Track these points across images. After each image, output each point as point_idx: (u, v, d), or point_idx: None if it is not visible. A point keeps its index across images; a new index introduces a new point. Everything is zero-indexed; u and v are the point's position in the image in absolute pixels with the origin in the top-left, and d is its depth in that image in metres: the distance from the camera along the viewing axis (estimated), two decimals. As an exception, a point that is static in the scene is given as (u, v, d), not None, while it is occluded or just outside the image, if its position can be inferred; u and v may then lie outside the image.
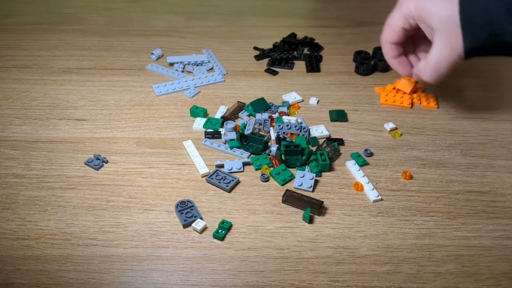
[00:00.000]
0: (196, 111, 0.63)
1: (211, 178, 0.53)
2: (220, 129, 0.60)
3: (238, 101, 0.65)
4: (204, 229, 0.48)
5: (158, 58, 0.77)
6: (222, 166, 0.55)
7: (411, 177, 0.54)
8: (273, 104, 0.64)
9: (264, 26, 0.88)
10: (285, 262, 0.45)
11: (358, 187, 0.53)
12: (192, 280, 0.43)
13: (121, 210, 0.50)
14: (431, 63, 0.52)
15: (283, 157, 0.55)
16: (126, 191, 0.52)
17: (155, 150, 0.58)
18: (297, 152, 0.55)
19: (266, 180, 0.53)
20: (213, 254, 0.46)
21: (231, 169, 0.54)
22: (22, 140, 0.59)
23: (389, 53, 0.57)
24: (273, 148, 0.56)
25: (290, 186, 0.53)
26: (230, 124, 0.58)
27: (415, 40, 0.58)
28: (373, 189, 0.52)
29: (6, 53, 0.77)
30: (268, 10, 0.95)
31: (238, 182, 0.53)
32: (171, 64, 0.75)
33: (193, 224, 0.48)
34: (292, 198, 0.51)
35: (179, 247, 0.46)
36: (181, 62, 0.74)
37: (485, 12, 0.46)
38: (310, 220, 0.49)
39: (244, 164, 0.55)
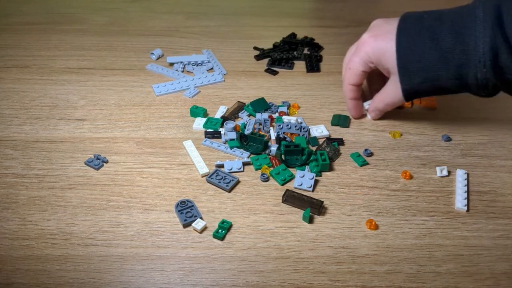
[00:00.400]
0: (196, 111, 0.63)
1: (211, 178, 0.53)
2: (220, 129, 0.60)
3: (238, 101, 0.65)
4: (204, 229, 0.48)
5: (158, 58, 0.77)
6: (222, 166, 0.55)
7: (411, 177, 0.54)
8: (273, 104, 0.64)
9: (264, 26, 0.88)
10: (285, 262, 0.45)
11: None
12: (192, 280, 0.43)
13: (121, 210, 0.50)
14: (383, 98, 0.60)
15: (283, 157, 0.55)
16: (126, 191, 0.52)
17: (155, 150, 0.58)
18: (297, 152, 0.55)
19: (266, 180, 0.53)
20: (213, 254, 0.46)
21: (231, 169, 0.54)
22: (22, 140, 0.59)
23: (349, 94, 0.62)
24: (273, 148, 0.56)
25: (290, 186, 0.53)
26: (230, 124, 0.58)
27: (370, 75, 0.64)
28: (464, 199, 0.52)
29: (6, 53, 0.77)
30: (268, 10, 0.95)
31: (238, 182, 0.53)
32: (171, 64, 0.75)
33: (193, 224, 0.48)
34: (292, 198, 0.51)
35: (179, 247, 0.46)
36: (181, 62, 0.74)
37: (420, 60, 0.53)
38: (310, 220, 0.49)
39: (244, 164, 0.55)
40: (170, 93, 0.68)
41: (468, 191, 0.53)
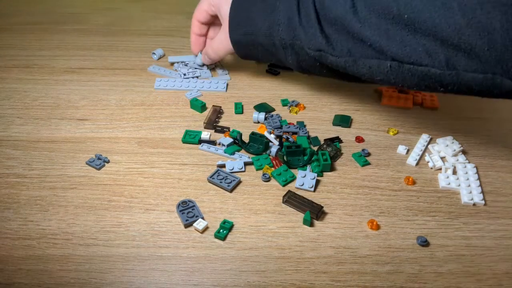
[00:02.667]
0: (196, 103, 0.63)
1: (212, 178, 0.53)
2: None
3: (213, 105, 0.65)
4: (206, 229, 0.48)
5: (159, 58, 0.77)
6: (223, 166, 0.55)
7: (414, 183, 0.54)
8: (273, 115, 0.63)
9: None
10: (286, 262, 0.45)
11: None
12: (194, 280, 0.43)
13: (122, 210, 0.50)
14: (214, 45, 0.66)
15: (285, 158, 0.55)
16: (128, 191, 0.52)
17: (156, 150, 0.58)
18: (299, 153, 0.55)
19: (267, 180, 0.53)
20: (214, 254, 0.46)
21: (232, 169, 0.54)
22: (23, 140, 0.59)
23: (194, 29, 0.69)
24: (273, 149, 0.56)
25: (292, 186, 0.53)
26: (225, 140, 0.58)
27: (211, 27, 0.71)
28: (480, 193, 0.53)
29: (8, 53, 0.77)
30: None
31: (239, 182, 0.53)
32: (172, 64, 0.75)
33: (194, 224, 0.48)
34: (292, 200, 0.51)
35: (181, 247, 0.46)
36: (182, 62, 0.74)
37: (247, 15, 0.59)
38: (311, 224, 0.49)
39: (246, 164, 0.55)
40: (169, 90, 0.68)
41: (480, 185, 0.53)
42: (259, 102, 0.67)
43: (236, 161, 0.55)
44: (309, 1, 0.52)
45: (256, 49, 0.60)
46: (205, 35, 0.70)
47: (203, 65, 0.72)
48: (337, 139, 0.60)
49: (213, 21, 0.69)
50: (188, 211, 0.49)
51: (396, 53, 0.46)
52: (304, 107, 0.65)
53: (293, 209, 0.50)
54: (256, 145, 0.57)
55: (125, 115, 0.63)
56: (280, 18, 0.55)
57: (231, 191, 0.52)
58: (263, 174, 0.54)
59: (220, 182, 0.52)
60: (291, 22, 0.54)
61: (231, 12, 0.60)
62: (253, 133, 0.58)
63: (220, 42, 0.64)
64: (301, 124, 0.62)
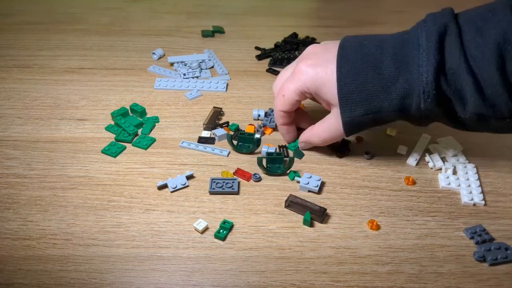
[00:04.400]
0: (135, 109, 0.63)
1: (213, 189, 0.52)
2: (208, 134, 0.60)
3: (214, 107, 0.64)
4: (206, 229, 0.48)
5: (159, 58, 0.77)
6: (165, 186, 0.52)
7: (414, 183, 0.54)
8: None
9: (266, 25, 0.88)
10: (286, 262, 0.45)
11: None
12: (194, 280, 0.43)
13: (122, 210, 0.50)
14: (320, 132, 0.55)
15: (264, 164, 0.55)
16: (128, 191, 0.52)
17: (156, 150, 0.58)
18: (279, 160, 0.55)
19: (258, 180, 0.53)
20: (214, 254, 0.46)
21: (175, 187, 0.52)
22: (23, 140, 0.59)
23: (280, 120, 0.57)
24: (219, 133, 0.58)
25: (293, 186, 0.53)
26: (220, 131, 0.59)
27: None
28: (480, 193, 0.53)
29: (7, 53, 0.77)
30: (269, 10, 0.95)
31: (238, 182, 0.53)
32: (172, 64, 0.75)
33: (194, 224, 0.48)
34: (294, 204, 0.50)
35: (181, 247, 0.46)
36: (181, 62, 0.74)
37: (362, 90, 0.49)
38: (311, 224, 0.49)
39: (188, 177, 0.53)
40: (169, 90, 0.68)
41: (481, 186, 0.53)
42: (259, 102, 0.67)
43: (177, 177, 0.53)
44: (458, 61, 0.44)
45: (371, 124, 0.52)
46: (294, 120, 0.58)
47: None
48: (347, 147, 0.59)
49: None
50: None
51: None
52: (304, 107, 0.65)
53: (296, 213, 0.50)
54: (246, 144, 0.57)
55: (125, 115, 0.63)
56: (424, 89, 0.45)
57: (239, 192, 0.52)
58: (254, 174, 0.53)
59: (223, 189, 0.52)
60: (439, 93, 0.46)
61: (341, 93, 0.49)
62: (241, 133, 0.57)
63: (329, 129, 0.53)
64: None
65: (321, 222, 0.49)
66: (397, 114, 0.49)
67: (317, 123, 0.55)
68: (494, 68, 0.43)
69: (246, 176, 0.54)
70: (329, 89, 0.50)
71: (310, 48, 0.54)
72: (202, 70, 0.73)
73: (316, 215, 0.49)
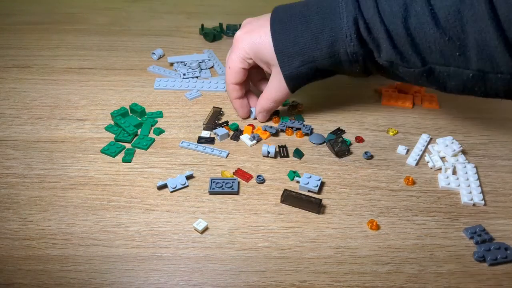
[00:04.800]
0: (135, 109, 0.63)
1: (213, 189, 0.52)
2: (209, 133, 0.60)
3: (214, 107, 0.64)
4: (206, 229, 0.48)
5: (159, 58, 0.77)
6: (165, 186, 0.52)
7: (414, 183, 0.54)
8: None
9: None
10: (286, 262, 0.45)
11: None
12: (194, 280, 0.43)
13: (122, 210, 0.50)
14: (269, 95, 0.59)
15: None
16: (127, 191, 0.52)
17: (156, 150, 0.58)
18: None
19: (261, 182, 0.53)
20: (214, 254, 0.46)
21: (175, 187, 0.52)
22: (23, 140, 0.59)
23: (232, 94, 0.61)
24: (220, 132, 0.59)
25: (293, 186, 0.53)
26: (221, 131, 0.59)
27: (251, 71, 0.62)
28: (480, 193, 0.53)
29: (7, 53, 0.77)
30: (268, 10, 0.95)
31: (238, 182, 0.53)
32: (172, 64, 0.75)
33: (194, 224, 0.48)
34: (290, 198, 0.51)
35: (180, 247, 0.46)
36: (181, 62, 0.74)
37: (295, 43, 0.54)
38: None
39: (188, 177, 0.53)
40: (169, 90, 0.68)
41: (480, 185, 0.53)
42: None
43: (177, 177, 0.53)
44: (372, 12, 0.49)
45: (310, 76, 0.57)
46: (245, 93, 0.62)
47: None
48: (340, 131, 0.61)
49: (248, 74, 0.61)
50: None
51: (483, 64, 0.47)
52: (303, 107, 0.65)
53: (292, 207, 0.50)
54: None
55: (125, 115, 0.63)
56: (346, 34, 0.51)
57: (238, 192, 0.52)
58: (258, 176, 0.53)
59: (223, 189, 0.52)
60: (360, 36, 0.51)
61: (277, 49, 0.55)
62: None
63: (275, 88, 0.58)
64: (299, 118, 0.63)
65: (318, 213, 0.49)
66: (329, 61, 0.54)
67: (264, 89, 0.60)
68: (400, 22, 0.48)
69: (246, 176, 0.54)
70: (266, 49, 0.55)
71: (244, 21, 0.60)
72: (202, 70, 0.73)
73: (313, 206, 0.49)
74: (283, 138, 0.60)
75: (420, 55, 0.49)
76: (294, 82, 0.57)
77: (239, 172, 0.54)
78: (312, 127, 0.61)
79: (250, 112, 0.63)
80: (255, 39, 0.56)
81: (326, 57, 0.54)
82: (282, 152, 0.57)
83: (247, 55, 0.57)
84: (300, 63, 0.55)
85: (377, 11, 0.49)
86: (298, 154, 0.57)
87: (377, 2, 0.49)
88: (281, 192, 0.52)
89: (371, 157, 0.57)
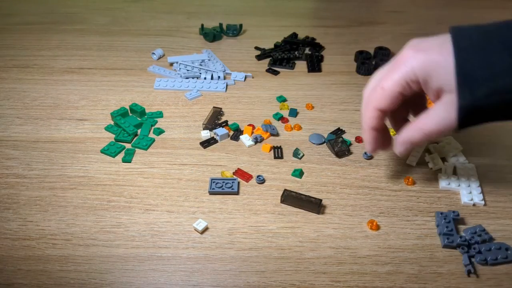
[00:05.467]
0: (135, 109, 0.63)
1: (213, 189, 0.52)
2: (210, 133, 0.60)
3: (214, 107, 0.64)
4: (205, 229, 0.48)
5: (159, 58, 0.77)
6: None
7: (414, 183, 0.54)
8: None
9: (265, 26, 0.88)
10: (286, 263, 0.45)
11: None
12: (194, 281, 0.43)
13: (122, 210, 0.50)
14: (425, 125, 0.44)
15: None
16: (127, 191, 0.52)
17: (156, 150, 0.58)
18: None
19: (261, 182, 0.53)
20: (214, 255, 0.46)
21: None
22: (23, 140, 0.59)
23: (371, 122, 0.47)
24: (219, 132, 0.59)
25: (293, 186, 0.53)
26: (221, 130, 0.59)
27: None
28: (480, 193, 0.53)
29: (7, 53, 0.77)
30: (269, 10, 0.95)
31: (238, 182, 0.53)
32: (171, 64, 0.75)
33: (194, 224, 0.48)
34: (290, 198, 0.51)
35: (180, 248, 0.46)
36: (180, 62, 0.74)
37: (487, 66, 0.40)
38: (318, 213, 0.49)
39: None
40: (169, 90, 0.68)
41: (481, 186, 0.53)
42: (258, 102, 0.66)
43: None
44: None
45: (497, 112, 0.41)
46: (385, 129, 0.49)
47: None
48: (340, 131, 0.61)
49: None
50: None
51: None
52: (313, 107, 0.65)
53: (292, 207, 0.50)
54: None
55: (125, 115, 0.63)
56: None
57: (238, 192, 0.52)
58: (258, 176, 0.53)
59: (223, 189, 0.52)
60: None
61: (459, 69, 0.40)
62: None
63: (436, 118, 0.43)
64: (293, 111, 0.64)
65: (318, 213, 0.49)
66: None
67: (420, 117, 0.45)
68: None
69: (246, 176, 0.54)
70: (444, 71, 0.41)
71: (410, 42, 0.45)
72: (202, 70, 0.73)
73: (313, 206, 0.49)
74: (284, 139, 0.60)
75: None
76: (471, 116, 0.41)
77: (239, 172, 0.54)
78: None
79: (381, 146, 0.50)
80: (432, 57, 0.42)
81: None
82: (276, 153, 0.57)
83: (414, 77, 0.43)
84: (490, 91, 0.39)
85: None
86: (296, 153, 0.57)
87: None
88: (281, 192, 0.52)
89: (371, 157, 0.57)
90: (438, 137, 0.47)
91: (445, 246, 0.47)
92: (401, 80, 0.43)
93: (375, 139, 0.48)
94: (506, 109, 0.41)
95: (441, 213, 0.49)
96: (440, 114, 0.43)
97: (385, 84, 0.44)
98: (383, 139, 0.49)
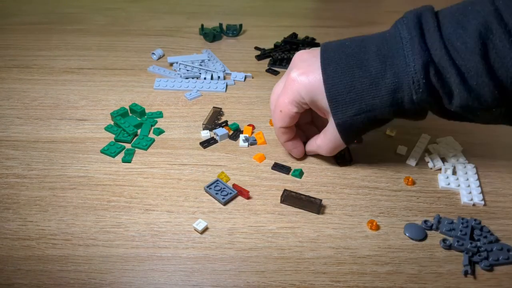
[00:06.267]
0: (135, 109, 0.63)
1: (210, 188, 0.52)
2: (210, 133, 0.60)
3: (214, 107, 0.64)
4: (205, 229, 0.48)
5: (159, 58, 0.77)
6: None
7: (413, 183, 0.54)
8: None
9: (265, 26, 0.88)
10: (286, 263, 0.45)
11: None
12: (193, 281, 0.43)
13: (122, 210, 0.50)
14: (324, 145, 0.53)
15: None
16: (127, 191, 0.52)
17: (156, 150, 0.58)
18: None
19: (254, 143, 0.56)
20: (214, 255, 0.46)
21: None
22: (23, 140, 0.59)
23: (283, 137, 0.55)
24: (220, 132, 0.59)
25: (292, 186, 0.53)
26: (221, 131, 0.59)
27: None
28: (480, 193, 0.53)
29: (7, 53, 0.77)
30: (269, 10, 0.95)
31: (235, 196, 0.52)
32: (171, 64, 0.75)
33: (194, 224, 0.48)
34: (290, 198, 0.51)
35: (180, 248, 0.46)
36: (180, 63, 0.74)
37: (350, 90, 0.47)
38: (318, 211, 0.49)
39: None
40: (169, 90, 0.68)
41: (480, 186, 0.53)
42: (258, 102, 0.66)
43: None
44: (442, 54, 0.44)
45: (367, 125, 0.50)
46: (297, 133, 0.56)
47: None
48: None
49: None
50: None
51: None
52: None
53: (292, 207, 0.50)
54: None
55: (125, 115, 0.63)
56: (413, 80, 0.45)
57: (225, 204, 0.51)
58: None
59: (216, 193, 0.51)
60: (429, 82, 0.45)
61: (330, 95, 0.48)
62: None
63: (329, 137, 0.52)
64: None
65: (318, 213, 0.49)
66: (390, 110, 0.47)
67: (319, 135, 0.54)
68: (479, 57, 0.42)
69: (244, 192, 0.52)
70: (322, 96, 0.49)
71: (297, 56, 0.52)
72: (202, 70, 0.73)
73: (313, 207, 0.49)
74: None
75: (503, 94, 0.43)
76: (348, 132, 0.50)
77: (237, 188, 0.52)
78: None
79: (303, 148, 0.57)
80: (312, 82, 0.49)
81: (387, 105, 0.47)
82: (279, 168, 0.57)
83: (302, 100, 0.50)
84: (356, 112, 0.48)
85: (447, 51, 0.43)
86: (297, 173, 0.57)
87: (446, 41, 0.44)
88: (281, 192, 0.52)
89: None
90: (335, 152, 0.54)
91: (452, 248, 0.47)
92: (293, 102, 0.50)
93: (294, 146, 0.56)
94: (372, 121, 0.49)
95: (462, 218, 0.49)
96: (331, 133, 0.51)
97: (282, 107, 0.51)
98: (299, 146, 0.56)
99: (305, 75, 0.49)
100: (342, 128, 0.49)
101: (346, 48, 0.49)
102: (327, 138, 0.52)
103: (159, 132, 0.60)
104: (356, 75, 0.47)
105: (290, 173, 0.55)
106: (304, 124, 0.58)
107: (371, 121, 0.49)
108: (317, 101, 0.49)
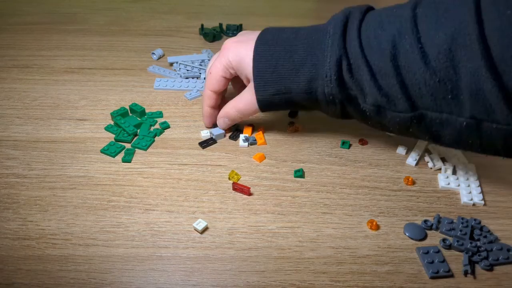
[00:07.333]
0: (135, 109, 0.63)
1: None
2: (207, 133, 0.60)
3: None
4: (205, 229, 0.48)
5: (159, 58, 0.77)
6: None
7: (413, 183, 0.54)
8: None
9: (265, 26, 0.87)
10: (286, 262, 0.45)
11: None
12: (193, 280, 0.43)
13: (122, 210, 0.50)
14: (239, 106, 0.57)
15: None
16: (127, 191, 0.52)
17: (156, 150, 0.58)
18: None
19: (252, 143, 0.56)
20: (214, 254, 0.46)
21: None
22: (23, 140, 0.59)
23: (207, 101, 0.59)
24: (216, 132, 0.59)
25: (292, 186, 0.53)
26: (217, 131, 0.60)
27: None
28: (480, 193, 0.53)
29: (7, 53, 0.77)
30: (269, 10, 0.95)
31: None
32: (171, 64, 0.75)
33: (194, 224, 0.48)
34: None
35: (180, 247, 0.46)
36: (180, 62, 0.74)
37: (274, 71, 0.52)
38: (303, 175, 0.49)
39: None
40: (169, 90, 0.69)
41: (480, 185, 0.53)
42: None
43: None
44: (357, 52, 0.46)
45: (284, 106, 0.55)
46: (219, 106, 0.60)
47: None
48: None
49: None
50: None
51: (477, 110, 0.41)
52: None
53: (293, 207, 0.50)
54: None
55: (125, 115, 0.63)
56: (326, 74, 0.48)
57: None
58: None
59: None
60: (341, 78, 0.48)
61: (255, 72, 0.52)
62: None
63: (245, 101, 0.56)
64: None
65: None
66: (305, 96, 0.51)
67: (236, 97, 0.57)
68: (388, 59, 0.44)
69: (245, 189, 0.52)
70: (248, 64, 0.53)
71: (241, 32, 0.59)
72: (202, 70, 0.73)
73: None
74: (283, 139, 0.60)
75: (410, 99, 0.45)
76: (266, 107, 0.55)
77: (236, 186, 0.53)
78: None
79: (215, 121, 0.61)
80: (240, 51, 0.54)
81: (303, 92, 0.51)
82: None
83: (230, 65, 0.55)
84: (275, 92, 0.52)
85: (361, 50, 0.46)
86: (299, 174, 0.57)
87: (364, 40, 0.46)
88: (280, 192, 0.52)
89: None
90: (249, 115, 0.58)
91: (452, 248, 0.47)
92: (222, 67, 0.56)
93: (210, 114, 0.60)
94: (289, 103, 0.53)
95: (462, 218, 0.49)
96: (248, 97, 0.55)
97: (212, 70, 0.57)
98: (214, 117, 0.60)
99: (236, 44, 0.55)
100: (261, 103, 0.54)
101: (282, 33, 0.53)
102: (243, 100, 0.56)
103: (165, 127, 0.60)
104: (282, 58, 0.51)
105: (291, 173, 0.55)
106: (240, 88, 0.60)
107: (288, 102, 0.53)
108: (243, 70, 0.54)
